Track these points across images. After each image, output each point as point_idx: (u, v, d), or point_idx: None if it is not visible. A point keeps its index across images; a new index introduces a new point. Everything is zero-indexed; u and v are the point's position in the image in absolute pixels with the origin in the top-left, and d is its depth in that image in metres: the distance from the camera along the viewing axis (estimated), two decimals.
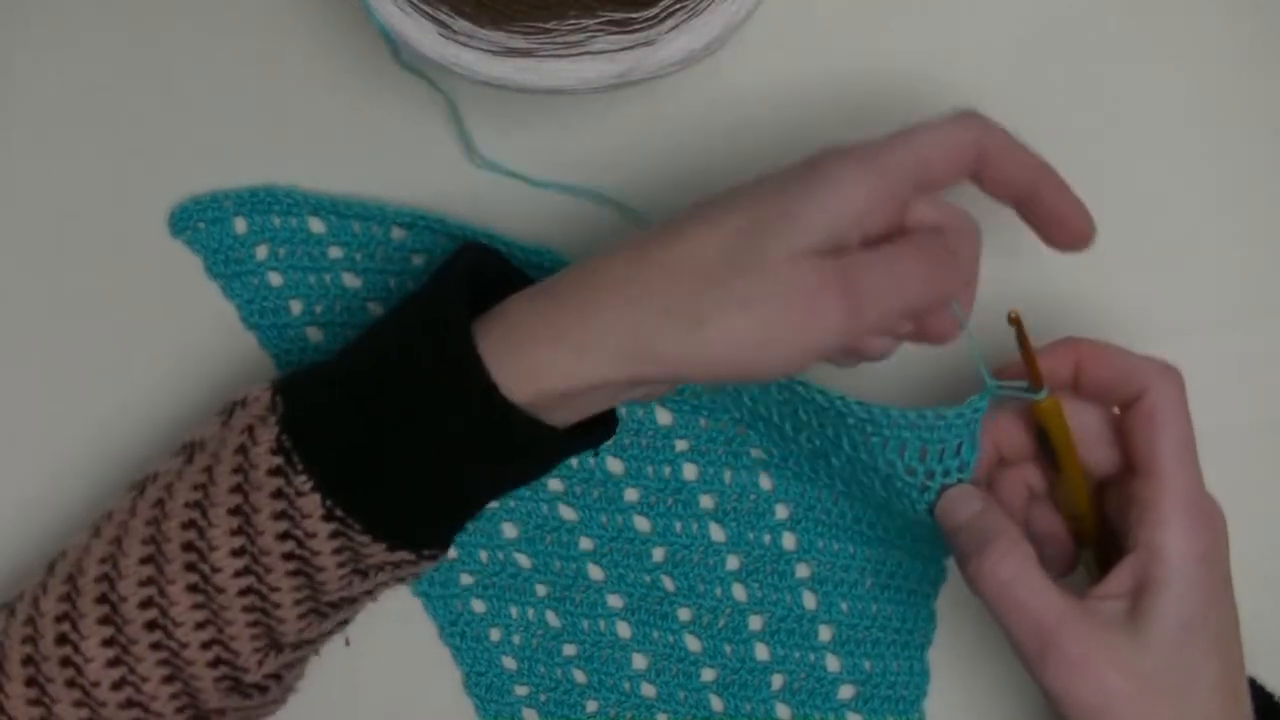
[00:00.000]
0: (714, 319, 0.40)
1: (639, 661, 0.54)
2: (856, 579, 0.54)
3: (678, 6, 0.47)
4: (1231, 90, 0.54)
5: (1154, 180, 0.54)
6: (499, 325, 0.43)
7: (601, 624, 0.54)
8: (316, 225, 0.54)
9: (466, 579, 0.54)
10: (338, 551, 0.44)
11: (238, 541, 0.44)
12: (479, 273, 0.46)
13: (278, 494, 0.44)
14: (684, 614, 0.54)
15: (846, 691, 0.54)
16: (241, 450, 0.44)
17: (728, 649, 0.54)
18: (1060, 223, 0.45)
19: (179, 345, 0.54)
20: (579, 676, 0.54)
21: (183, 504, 0.45)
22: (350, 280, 0.54)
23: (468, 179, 0.54)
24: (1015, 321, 0.44)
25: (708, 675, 0.54)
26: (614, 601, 0.54)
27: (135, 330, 0.54)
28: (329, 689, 0.52)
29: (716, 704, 0.54)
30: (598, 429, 0.46)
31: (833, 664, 0.54)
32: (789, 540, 0.54)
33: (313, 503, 0.43)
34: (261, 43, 0.55)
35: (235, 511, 0.44)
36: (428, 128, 0.55)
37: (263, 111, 0.55)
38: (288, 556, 0.44)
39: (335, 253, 0.54)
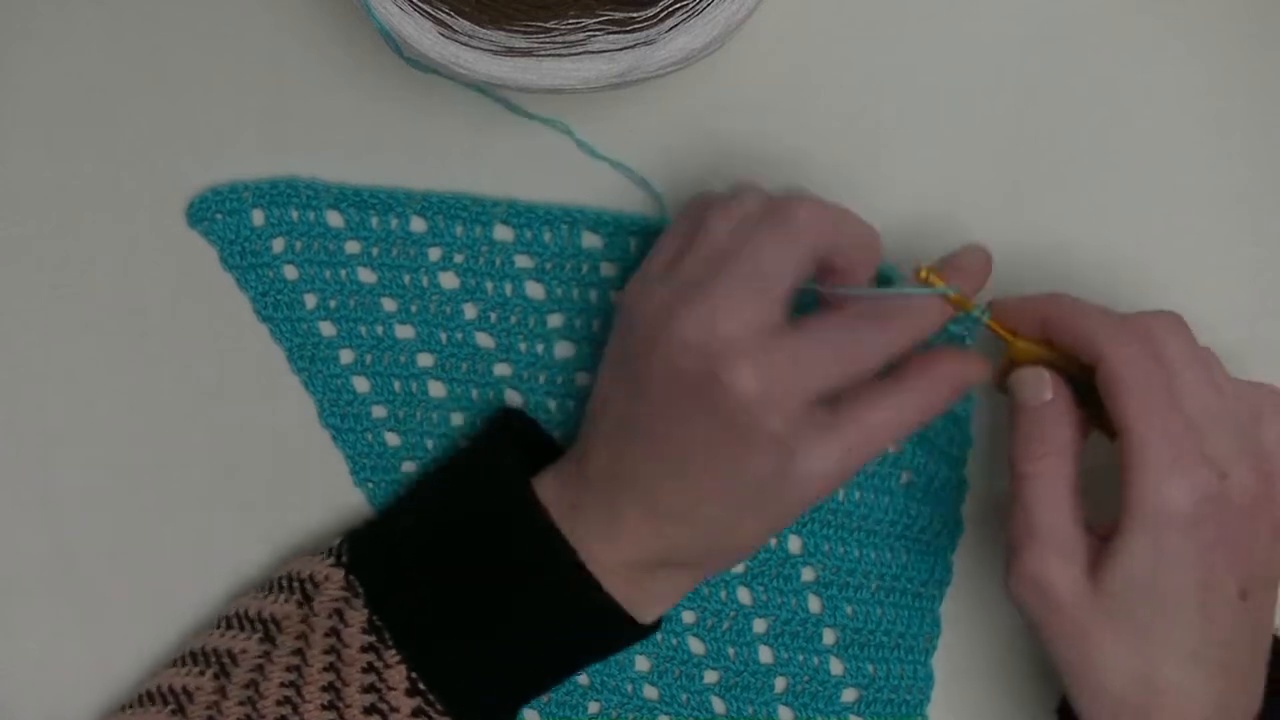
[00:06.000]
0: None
1: (641, 664, 0.54)
2: (862, 582, 0.53)
3: (678, 6, 0.47)
4: (1237, 86, 0.53)
5: (1156, 179, 0.53)
6: (579, 523, 0.46)
7: None
8: (335, 219, 0.54)
9: None
10: None
11: (329, 716, 0.47)
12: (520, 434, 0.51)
13: (368, 668, 0.47)
14: (688, 617, 0.54)
15: (850, 695, 0.53)
16: (333, 633, 0.47)
17: (731, 652, 0.53)
18: None
19: (192, 336, 0.55)
20: (581, 678, 0.54)
21: (278, 684, 0.48)
22: (366, 275, 0.54)
23: (476, 179, 0.54)
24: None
25: (710, 678, 0.54)
26: None
27: (148, 321, 0.55)
28: None
29: (719, 706, 0.54)
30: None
31: (836, 667, 0.53)
32: (794, 544, 0.53)
33: (399, 675, 0.46)
34: (266, 41, 0.55)
35: (327, 688, 0.47)
36: (437, 123, 0.54)
37: (273, 110, 0.55)
38: None
39: (352, 247, 0.54)
